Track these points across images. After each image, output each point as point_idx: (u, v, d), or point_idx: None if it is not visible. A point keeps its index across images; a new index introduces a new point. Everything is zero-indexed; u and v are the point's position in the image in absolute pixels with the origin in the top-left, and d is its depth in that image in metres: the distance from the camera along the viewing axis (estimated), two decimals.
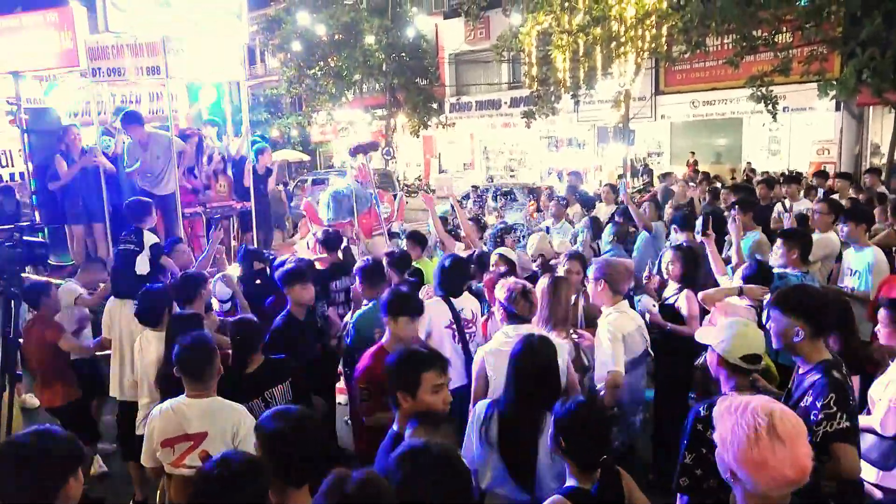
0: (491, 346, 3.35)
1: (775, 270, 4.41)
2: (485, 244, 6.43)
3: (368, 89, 26.85)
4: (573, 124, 24.02)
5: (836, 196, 7.44)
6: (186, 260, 5.64)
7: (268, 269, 5.40)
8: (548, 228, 7.69)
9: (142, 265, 5.15)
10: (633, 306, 4.08)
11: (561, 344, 3.52)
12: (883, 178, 10.46)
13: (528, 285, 3.53)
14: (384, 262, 4.83)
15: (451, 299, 4.24)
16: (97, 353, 5.02)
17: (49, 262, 6.92)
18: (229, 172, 8.17)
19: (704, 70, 19.62)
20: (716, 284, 4.49)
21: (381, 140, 25.70)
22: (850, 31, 10.59)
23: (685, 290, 4.36)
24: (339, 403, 5.43)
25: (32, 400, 5.70)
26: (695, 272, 4.56)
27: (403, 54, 24.72)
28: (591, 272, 3.90)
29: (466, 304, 4.33)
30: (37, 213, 7.47)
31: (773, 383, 3.12)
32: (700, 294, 4.24)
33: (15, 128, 7.49)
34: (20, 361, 4.16)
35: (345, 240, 6.27)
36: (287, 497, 2.13)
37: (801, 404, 2.47)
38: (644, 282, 4.99)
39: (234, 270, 5.70)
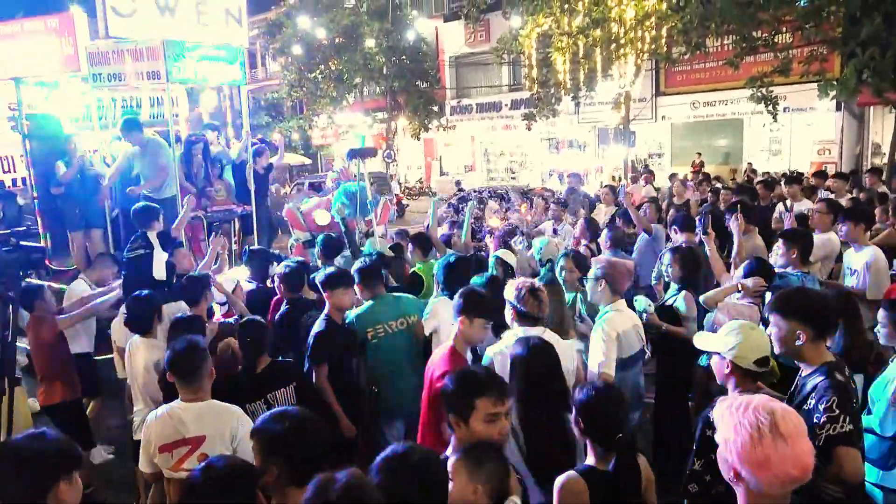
0: (499, 346, 3.33)
1: (777, 270, 4.40)
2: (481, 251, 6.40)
3: (369, 92, 26.92)
4: (574, 126, 24.05)
5: (831, 196, 7.44)
6: (187, 264, 5.65)
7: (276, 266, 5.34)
8: (555, 230, 7.67)
9: (158, 270, 5.20)
10: (631, 306, 4.07)
11: (570, 343, 3.53)
12: (884, 177, 10.44)
13: (538, 283, 3.52)
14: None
15: None
16: (98, 357, 5.04)
17: (49, 266, 6.97)
18: (227, 176, 8.19)
19: (705, 71, 19.64)
20: (718, 285, 4.49)
21: (382, 143, 25.76)
22: (849, 31, 10.58)
23: (684, 292, 4.37)
24: None
25: (34, 404, 5.72)
26: (695, 273, 4.56)
27: (404, 57, 24.80)
28: (592, 271, 3.91)
29: None
30: (38, 219, 7.52)
31: (775, 380, 3.11)
32: (701, 297, 4.25)
33: (16, 134, 7.53)
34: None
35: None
36: (287, 497, 2.13)
37: (804, 407, 2.46)
38: (654, 283, 4.99)
39: (241, 272, 5.68)
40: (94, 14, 7.02)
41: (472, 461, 2.11)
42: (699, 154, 20.28)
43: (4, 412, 2.83)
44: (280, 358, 3.98)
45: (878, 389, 3.11)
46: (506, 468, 2.19)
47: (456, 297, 3.35)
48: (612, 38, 13.61)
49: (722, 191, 9.43)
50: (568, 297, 4.34)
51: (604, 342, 3.53)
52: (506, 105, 25.47)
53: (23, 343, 4.91)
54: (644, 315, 4.20)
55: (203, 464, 2.02)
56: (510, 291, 3.44)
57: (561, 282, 4.39)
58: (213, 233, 5.83)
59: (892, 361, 3.18)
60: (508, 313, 3.47)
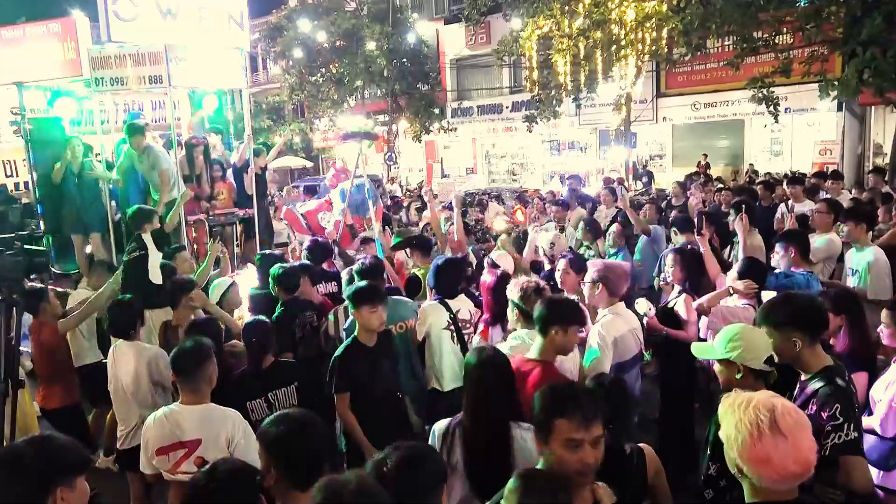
0: (504, 347, 3.29)
1: (781, 270, 4.39)
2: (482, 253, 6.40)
3: (370, 95, 26.95)
4: (575, 128, 24.05)
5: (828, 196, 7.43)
6: (188, 268, 5.65)
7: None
8: (562, 228, 7.66)
9: (154, 274, 5.19)
10: (631, 308, 4.07)
11: None
12: (886, 177, 10.42)
13: (542, 283, 3.50)
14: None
15: (448, 301, 4.25)
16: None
17: (52, 269, 6.98)
18: (230, 179, 8.21)
19: (705, 72, 19.63)
20: (714, 286, 4.48)
21: (384, 146, 25.77)
22: (850, 31, 10.58)
23: (684, 295, 4.36)
24: None
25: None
26: (696, 275, 4.55)
27: (405, 60, 24.81)
28: (589, 274, 3.89)
29: (463, 304, 4.35)
30: (41, 222, 7.54)
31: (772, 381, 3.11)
32: (694, 303, 4.23)
33: (19, 138, 7.55)
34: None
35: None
36: (290, 500, 2.14)
37: (805, 412, 2.45)
38: (661, 284, 4.99)
39: (249, 277, 5.67)
40: (96, 18, 7.04)
41: (535, 490, 1.83)
42: (705, 155, 20.23)
43: (8, 414, 2.84)
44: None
45: (879, 390, 3.11)
46: None
47: (540, 308, 3.08)
48: (613, 40, 13.62)
49: (722, 192, 9.43)
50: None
51: (599, 346, 3.52)
52: (507, 107, 25.49)
53: (25, 346, 4.91)
54: (644, 318, 4.20)
55: (206, 466, 2.03)
56: (514, 291, 3.41)
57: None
58: (214, 237, 5.84)
59: (894, 362, 3.18)
60: (512, 314, 3.45)
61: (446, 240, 5.99)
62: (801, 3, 11.58)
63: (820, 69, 11.24)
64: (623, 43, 13.55)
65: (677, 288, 4.54)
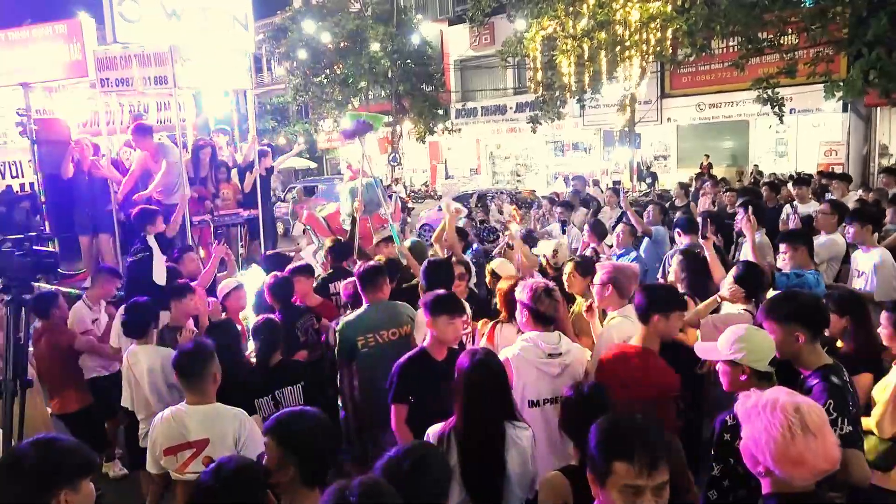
0: (513, 349, 3.27)
1: (791, 270, 4.36)
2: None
3: (374, 96, 26.99)
4: (579, 129, 24.06)
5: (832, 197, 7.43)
6: (195, 268, 5.66)
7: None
8: (564, 227, 7.65)
9: (158, 274, 5.20)
10: None
11: (581, 349, 3.47)
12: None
13: (551, 283, 3.45)
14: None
15: None
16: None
17: (59, 270, 7.00)
18: (235, 180, 8.23)
19: (710, 73, 19.61)
20: (717, 290, 4.45)
21: (388, 146, 25.79)
22: (855, 31, 10.55)
23: (685, 297, 4.33)
24: None
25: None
26: (701, 278, 4.51)
27: (409, 61, 24.83)
28: (598, 276, 3.85)
29: None
30: (46, 223, 7.57)
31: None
32: (686, 316, 4.18)
33: (24, 138, 7.58)
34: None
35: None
36: (298, 497, 2.15)
37: None
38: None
39: (256, 276, 5.68)
40: (101, 20, 7.07)
41: None
42: (707, 156, 20.21)
43: (16, 415, 2.85)
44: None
45: (879, 391, 3.11)
46: None
47: (639, 296, 3.14)
48: (617, 41, 13.60)
49: (727, 193, 9.40)
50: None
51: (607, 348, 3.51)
52: (511, 108, 25.52)
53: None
54: None
55: (213, 464, 2.03)
56: (523, 292, 3.36)
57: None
58: (218, 239, 5.86)
59: (894, 364, 3.17)
60: (521, 315, 3.40)
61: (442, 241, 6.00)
62: (806, 4, 11.55)
63: (825, 70, 11.21)
64: (627, 44, 13.52)
65: (680, 289, 4.51)
